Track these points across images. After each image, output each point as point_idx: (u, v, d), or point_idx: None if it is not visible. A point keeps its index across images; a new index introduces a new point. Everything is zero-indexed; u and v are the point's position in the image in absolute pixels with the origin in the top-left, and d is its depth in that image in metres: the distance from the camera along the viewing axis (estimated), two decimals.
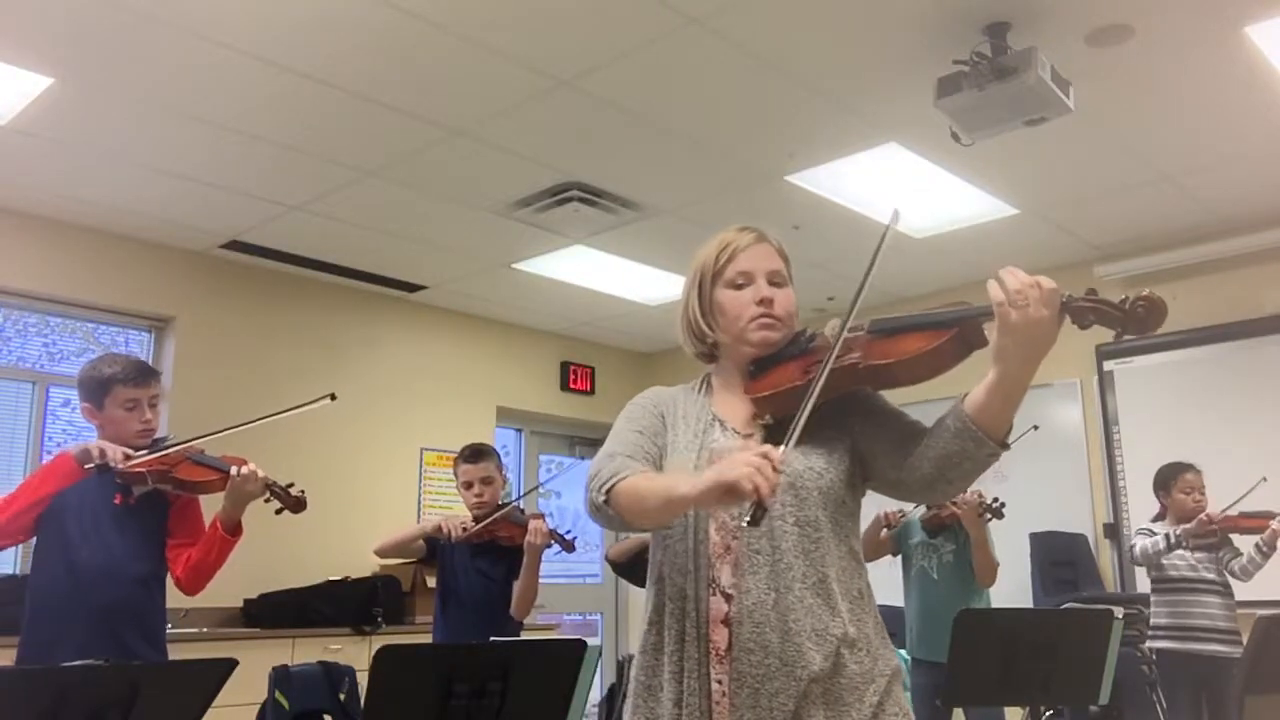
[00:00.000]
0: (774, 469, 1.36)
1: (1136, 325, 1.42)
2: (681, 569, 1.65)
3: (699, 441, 1.71)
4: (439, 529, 3.46)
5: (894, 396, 1.70)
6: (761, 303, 1.73)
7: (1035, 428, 3.91)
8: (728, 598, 1.61)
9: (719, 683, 1.58)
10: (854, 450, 1.68)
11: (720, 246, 1.79)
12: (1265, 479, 4.14)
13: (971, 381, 1.55)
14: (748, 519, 1.38)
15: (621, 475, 1.61)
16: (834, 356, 1.55)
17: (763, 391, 1.68)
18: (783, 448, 1.43)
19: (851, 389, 1.63)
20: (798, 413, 1.49)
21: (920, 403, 1.75)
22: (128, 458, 2.65)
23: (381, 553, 3.65)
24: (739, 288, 1.75)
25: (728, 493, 1.39)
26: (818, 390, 1.50)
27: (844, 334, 1.57)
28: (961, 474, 1.55)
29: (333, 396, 2.78)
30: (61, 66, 3.72)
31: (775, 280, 1.77)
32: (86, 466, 2.61)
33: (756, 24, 3.48)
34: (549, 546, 3.43)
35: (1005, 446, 1.52)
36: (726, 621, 1.60)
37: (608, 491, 1.61)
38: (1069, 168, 4.70)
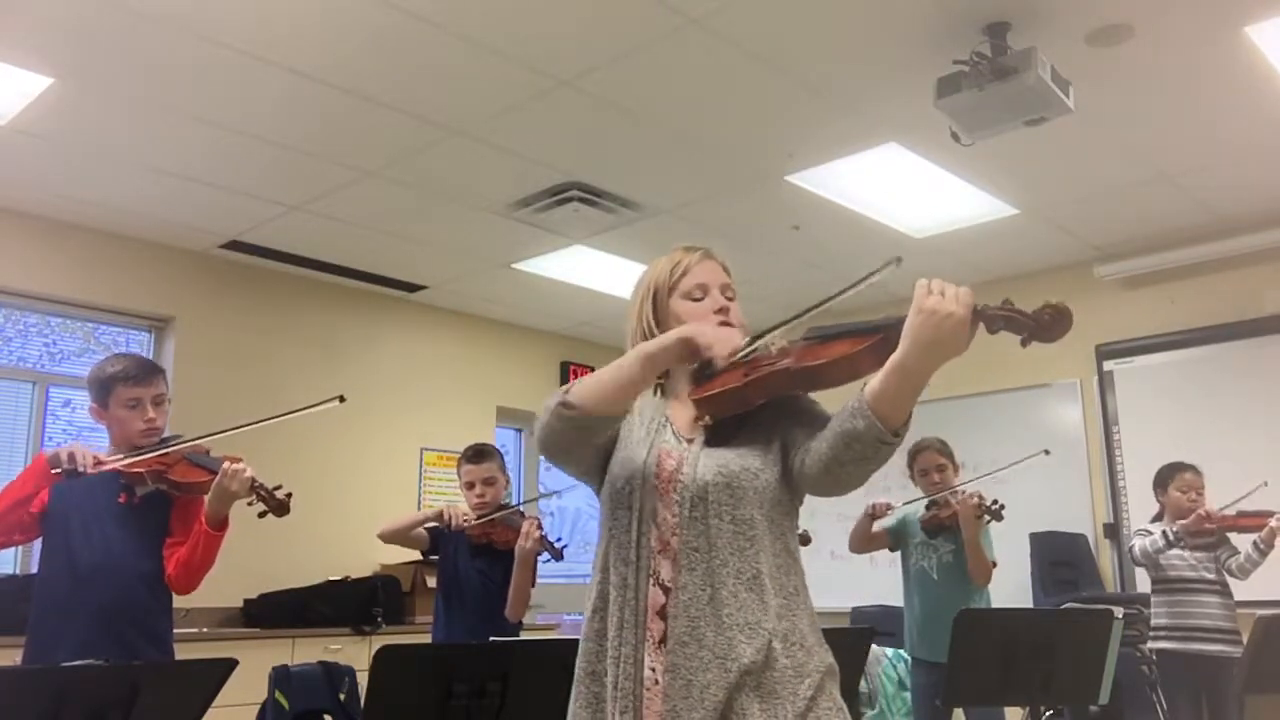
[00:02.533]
0: (731, 350, 1.66)
1: (1042, 332, 1.48)
2: (625, 559, 1.72)
3: (650, 440, 1.79)
4: (441, 515, 3.48)
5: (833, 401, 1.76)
6: (719, 311, 1.83)
7: (1046, 452, 3.90)
8: (666, 590, 1.68)
9: (652, 670, 1.65)
10: (782, 446, 1.76)
11: (672, 263, 1.89)
12: (1266, 483, 4.13)
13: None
14: (696, 366, 1.69)
15: (572, 383, 1.74)
16: (753, 347, 1.69)
17: (704, 394, 1.76)
18: (742, 349, 1.67)
19: (786, 392, 1.72)
20: (759, 334, 1.71)
21: None
22: (100, 463, 2.62)
23: (384, 537, 3.64)
24: (697, 300, 1.85)
25: (688, 346, 1.68)
26: (762, 339, 1.70)
27: (766, 335, 1.72)
28: (853, 456, 1.59)
29: (341, 399, 2.77)
30: (61, 66, 3.72)
31: (727, 294, 1.87)
32: (54, 471, 2.60)
33: (756, 24, 3.49)
34: (539, 553, 3.42)
35: (896, 436, 1.57)
36: (662, 613, 1.67)
37: (565, 393, 1.71)
38: (1069, 168, 4.70)
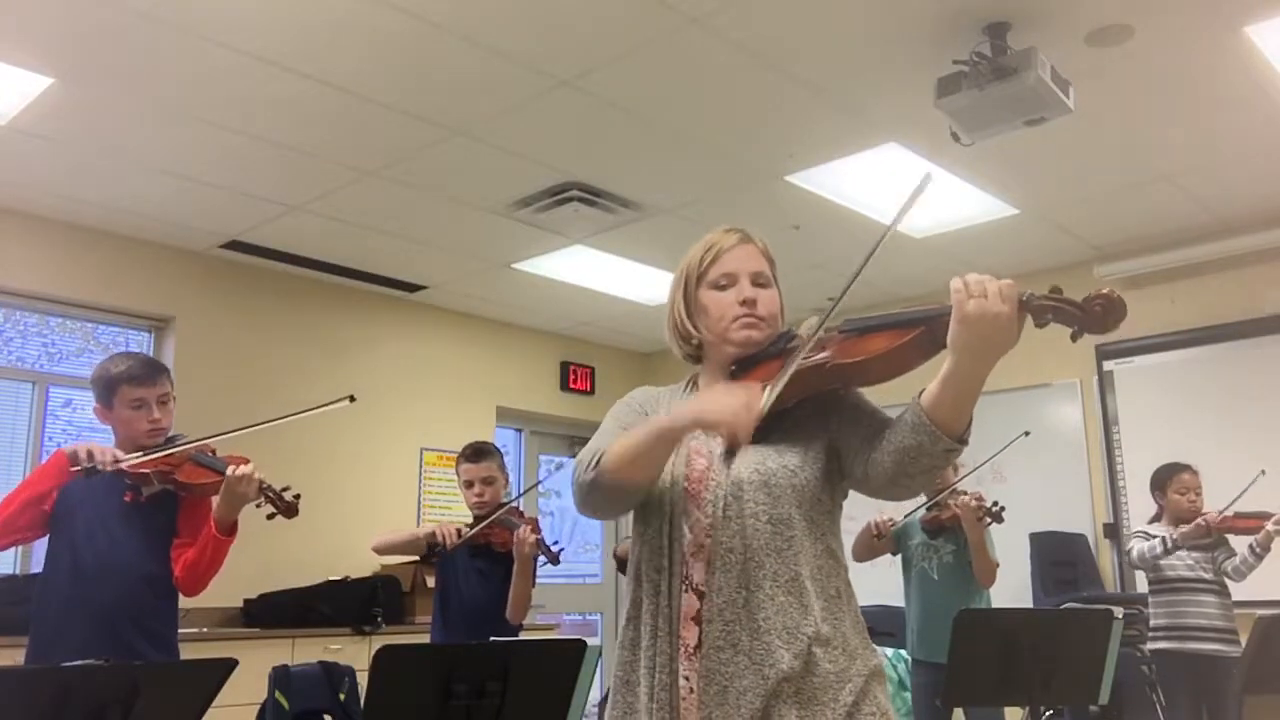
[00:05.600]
0: (749, 424, 1.49)
1: (1094, 324, 1.42)
2: (656, 565, 1.67)
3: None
4: (433, 535, 3.46)
5: (875, 396, 1.72)
6: (744, 303, 1.75)
7: (1026, 434, 3.91)
8: (700, 595, 1.62)
9: (686, 679, 1.60)
10: (831, 447, 1.70)
11: (705, 248, 1.81)
12: (1264, 471, 4.12)
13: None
14: (724, 453, 1.61)
15: (601, 448, 1.67)
16: (807, 349, 1.59)
17: None
18: (764, 396, 1.52)
19: (827, 387, 1.65)
20: (776, 377, 1.58)
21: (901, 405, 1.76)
22: (118, 460, 2.62)
23: (378, 550, 3.66)
24: (722, 289, 1.77)
25: (703, 429, 1.58)
26: (790, 370, 1.58)
27: (820, 330, 1.60)
28: (920, 469, 1.55)
29: (351, 398, 2.76)
30: (61, 66, 3.72)
31: (759, 281, 1.78)
32: (73, 470, 2.59)
33: (756, 24, 3.49)
34: (536, 556, 3.42)
35: (963, 442, 1.52)
36: (697, 619, 1.62)
37: (597, 464, 1.65)
38: (1069, 168, 4.70)
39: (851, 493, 1.76)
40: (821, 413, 1.70)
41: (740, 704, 1.55)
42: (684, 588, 1.64)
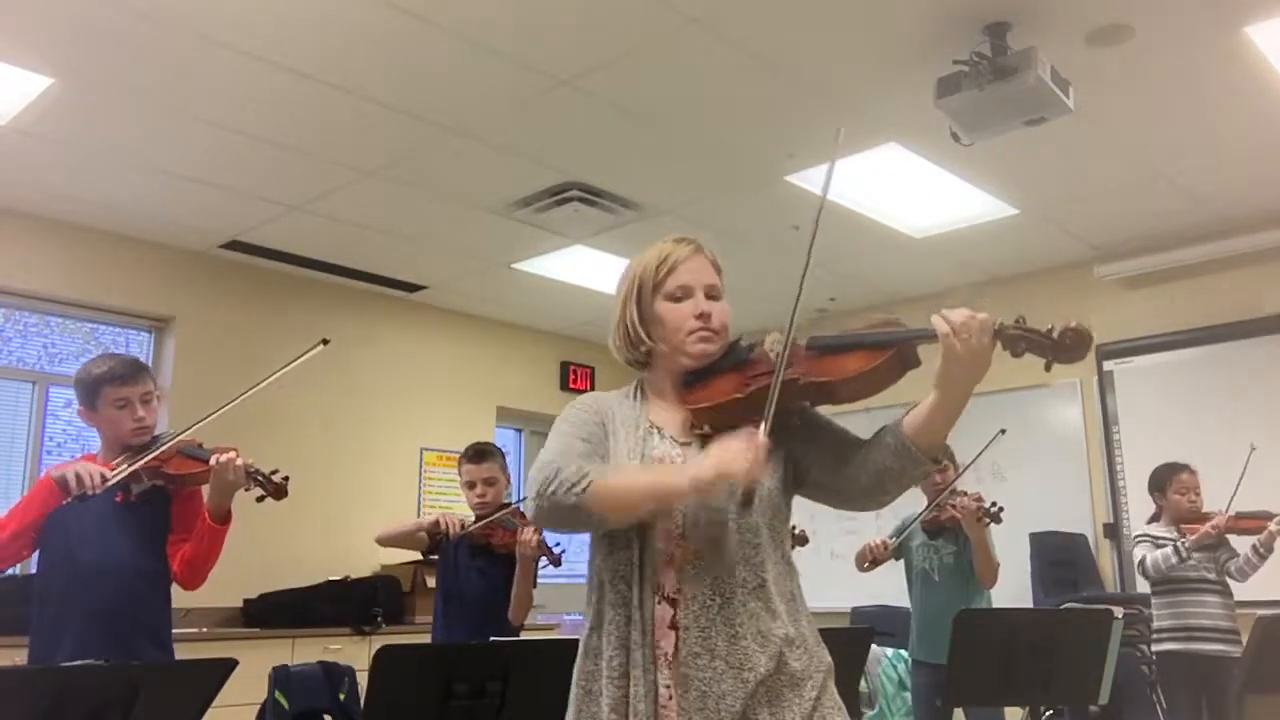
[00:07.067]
0: (762, 452, 1.53)
1: (1064, 355, 1.50)
2: (625, 576, 1.67)
3: (640, 448, 1.74)
4: (437, 524, 3.46)
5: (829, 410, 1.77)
6: (700, 316, 1.78)
7: (1003, 431, 3.92)
8: (673, 603, 1.65)
9: (666, 686, 1.62)
10: (789, 459, 1.74)
11: (659, 258, 1.84)
12: (1255, 447, 4.15)
13: (904, 398, 1.65)
14: (740, 502, 1.56)
15: (589, 475, 1.62)
16: (781, 369, 1.61)
17: (702, 403, 1.73)
18: (762, 432, 1.56)
19: (796, 402, 1.69)
20: (766, 406, 1.59)
21: (856, 412, 1.79)
22: (105, 480, 2.58)
23: (382, 541, 3.66)
24: (678, 300, 1.80)
25: (728, 479, 1.53)
26: (776, 398, 1.59)
27: (787, 348, 1.63)
28: (899, 486, 1.67)
29: (325, 342, 2.76)
30: (61, 66, 3.72)
31: (712, 294, 1.81)
32: (66, 502, 2.56)
33: (756, 24, 3.49)
34: (538, 558, 3.42)
35: (937, 463, 1.67)
36: (673, 626, 1.64)
37: (582, 492, 1.60)
38: (1069, 168, 4.70)
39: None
40: (780, 427, 1.70)
41: (720, 708, 1.58)
42: (657, 598, 1.65)
